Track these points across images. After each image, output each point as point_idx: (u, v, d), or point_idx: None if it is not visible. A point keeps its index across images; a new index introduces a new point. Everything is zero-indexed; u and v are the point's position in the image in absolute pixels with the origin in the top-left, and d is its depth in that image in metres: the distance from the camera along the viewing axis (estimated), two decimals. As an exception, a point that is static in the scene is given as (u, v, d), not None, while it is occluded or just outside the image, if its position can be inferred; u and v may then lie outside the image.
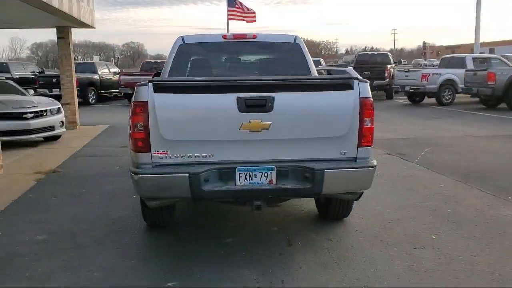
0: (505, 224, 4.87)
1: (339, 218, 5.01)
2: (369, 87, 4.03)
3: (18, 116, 9.34)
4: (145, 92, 3.81)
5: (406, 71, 19.44)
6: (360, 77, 4.35)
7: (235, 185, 3.90)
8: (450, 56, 21.37)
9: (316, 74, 5.73)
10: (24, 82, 17.66)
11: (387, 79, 20.38)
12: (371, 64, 22.10)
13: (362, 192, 4.33)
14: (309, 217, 5.23)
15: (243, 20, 26.09)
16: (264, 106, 3.83)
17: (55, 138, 10.39)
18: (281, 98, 3.87)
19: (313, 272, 3.82)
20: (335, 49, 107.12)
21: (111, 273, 3.88)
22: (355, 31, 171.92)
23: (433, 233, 4.64)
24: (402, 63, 41.69)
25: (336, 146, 3.98)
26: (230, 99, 3.81)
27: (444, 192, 6.05)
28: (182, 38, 5.61)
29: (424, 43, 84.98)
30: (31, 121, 9.45)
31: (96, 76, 21.38)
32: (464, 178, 6.72)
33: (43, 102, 10.23)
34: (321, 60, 32.59)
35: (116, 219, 5.17)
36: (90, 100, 20.64)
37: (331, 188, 3.93)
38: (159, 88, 3.84)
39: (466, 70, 17.24)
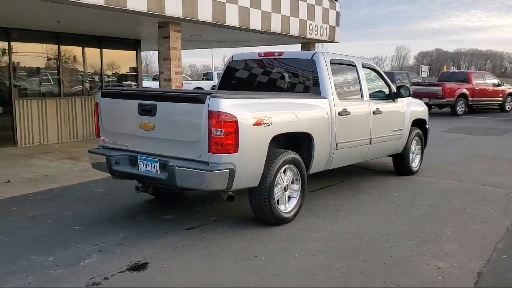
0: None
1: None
2: (223, 102, 4.54)
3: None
4: (99, 96, 5.54)
5: None
6: (215, 93, 4.66)
7: (138, 170, 5.18)
8: None
9: (329, 86, 5.95)
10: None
11: None
12: None
13: (232, 196, 4.85)
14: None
15: None
16: (150, 112, 4.98)
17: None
18: (161, 106, 4.92)
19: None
20: None
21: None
22: None
23: None
24: None
25: (194, 149, 4.70)
26: (134, 104, 5.12)
27: None
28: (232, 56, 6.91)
29: None
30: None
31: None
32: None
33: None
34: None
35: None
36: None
37: (184, 182, 4.71)
38: (103, 94, 5.50)
39: None
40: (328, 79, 6.00)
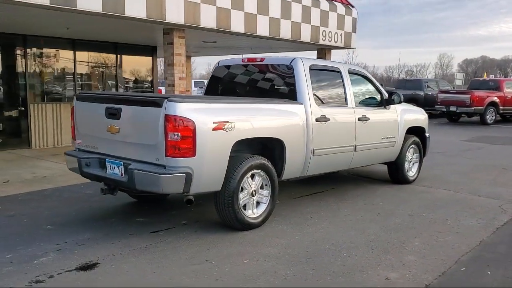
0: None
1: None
2: (179, 106, 4.58)
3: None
4: (74, 100, 5.70)
5: None
6: (173, 97, 4.71)
7: (106, 172, 5.29)
8: None
9: (306, 92, 5.92)
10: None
11: None
12: None
13: (191, 199, 4.88)
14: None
15: None
16: (115, 115, 5.08)
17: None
18: (125, 110, 5.01)
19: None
20: None
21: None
22: None
23: None
24: None
25: (154, 152, 4.75)
26: (102, 108, 5.24)
27: None
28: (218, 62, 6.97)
29: None
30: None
31: (421, 93, 22.08)
32: None
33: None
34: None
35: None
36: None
37: (142, 186, 4.78)
38: (77, 97, 5.65)
39: None
40: (306, 85, 5.96)
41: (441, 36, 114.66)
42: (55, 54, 11.85)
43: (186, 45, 10.50)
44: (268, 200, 5.50)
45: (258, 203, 5.46)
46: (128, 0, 8.24)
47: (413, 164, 8.07)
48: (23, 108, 11.31)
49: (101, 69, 12.89)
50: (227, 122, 4.89)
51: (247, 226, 5.26)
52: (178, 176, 4.59)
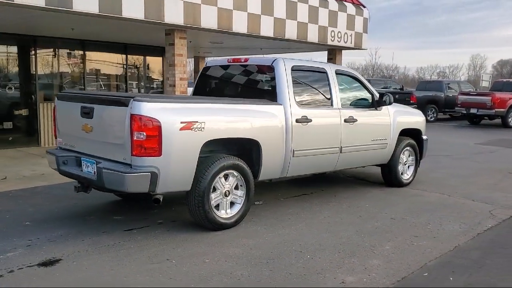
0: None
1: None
2: (145, 106, 4.62)
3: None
4: (56, 99, 5.81)
5: None
6: (139, 96, 4.73)
7: (82, 170, 5.38)
8: None
9: (286, 93, 5.89)
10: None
11: None
12: None
13: (157, 199, 4.91)
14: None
15: None
16: (89, 114, 5.16)
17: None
18: (97, 109, 5.09)
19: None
20: None
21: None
22: None
23: None
24: None
25: (121, 151, 4.80)
26: (78, 107, 5.33)
27: None
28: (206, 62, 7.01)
29: None
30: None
31: (441, 95, 21.69)
32: None
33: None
34: None
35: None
36: (429, 117, 21.21)
37: (110, 184, 4.84)
38: (57, 97, 5.76)
39: None
40: (286, 85, 5.92)
41: (475, 37, 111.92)
42: (65, 55, 12.10)
43: (197, 46, 10.56)
44: (243, 201, 5.49)
45: (232, 203, 5.45)
46: (125, 1, 8.34)
47: (408, 167, 7.93)
48: (33, 107, 11.58)
49: (110, 70, 13.09)
50: (196, 122, 4.90)
51: (219, 226, 5.26)
52: (143, 175, 4.63)
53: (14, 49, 11.45)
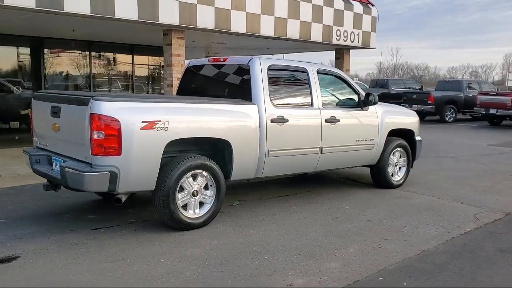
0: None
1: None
2: (104, 105, 4.64)
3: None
4: (32, 99, 5.91)
5: None
6: (98, 96, 4.73)
7: (52, 169, 5.45)
8: None
9: (261, 92, 5.84)
10: (396, 97, 22.01)
11: None
12: None
13: (119, 198, 4.93)
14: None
15: None
16: (57, 113, 5.22)
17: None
18: (64, 108, 5.14)
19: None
20: None
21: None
22: None
23: None
24: None
25: (83, 150, 4.84)
26: (48, 106, 5.40)
27: None
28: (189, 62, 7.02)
29: None
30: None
31: (460, 95, 21.24)
32: None
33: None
34: None
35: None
36: (447, 118, 20.81)
37: (72, 183, 4.88)
38: (34, 97, 5.86)
39: None
40: (261, 85, 5.87)
41: (509, 35, 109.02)
42: (70, 55, 12.30)
43: (204, 47, 10.58)
44: (213, 201, 5.46)
45: (201, 203, 5.43)
46: (118, 2, 8.42)
47: (399, 168, 7.76)
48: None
49: (115, 70, 13.25)
50: (159, 121, 4.90)
51: (186, 226, 5.24)
52: (102, 175, 4.66)
53: (24, 50, 11.71)
